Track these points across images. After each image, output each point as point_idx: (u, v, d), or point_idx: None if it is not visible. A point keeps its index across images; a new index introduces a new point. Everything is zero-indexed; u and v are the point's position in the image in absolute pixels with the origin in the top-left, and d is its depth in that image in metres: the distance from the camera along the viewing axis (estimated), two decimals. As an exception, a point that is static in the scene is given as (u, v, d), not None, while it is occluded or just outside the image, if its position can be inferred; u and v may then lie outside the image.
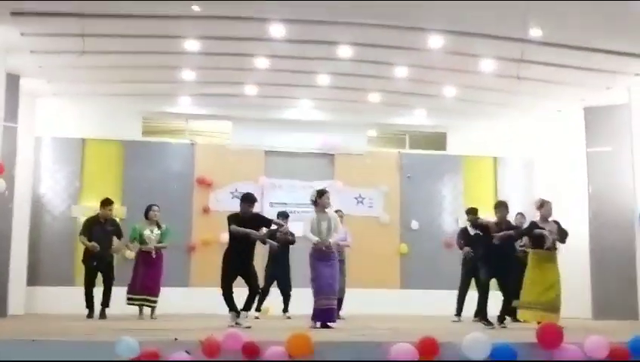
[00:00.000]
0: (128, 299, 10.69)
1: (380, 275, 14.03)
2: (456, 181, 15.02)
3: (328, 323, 8.43)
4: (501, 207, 9.64)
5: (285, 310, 11.60)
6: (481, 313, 9.66)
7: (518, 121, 14.53)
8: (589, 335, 5.75)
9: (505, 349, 5.29)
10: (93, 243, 10.35)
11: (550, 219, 9.15)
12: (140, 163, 13.98)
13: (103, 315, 10.35)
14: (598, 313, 12.34)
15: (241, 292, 8.68)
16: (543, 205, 9.19)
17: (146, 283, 10.68)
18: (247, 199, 8.89)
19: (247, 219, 8.78)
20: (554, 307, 8.88)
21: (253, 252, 8.91)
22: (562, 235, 9.09)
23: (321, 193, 8.77)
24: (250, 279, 8.78)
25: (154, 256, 10.71)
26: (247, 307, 8.76)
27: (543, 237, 8.93)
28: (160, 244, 10.81)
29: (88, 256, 10.52)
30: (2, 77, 10.94)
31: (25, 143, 12.26)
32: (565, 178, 13.51)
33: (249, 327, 8.05)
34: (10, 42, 10.27)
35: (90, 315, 10.37)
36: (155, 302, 10.80)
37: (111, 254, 10.65)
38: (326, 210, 8.76)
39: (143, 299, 10.70)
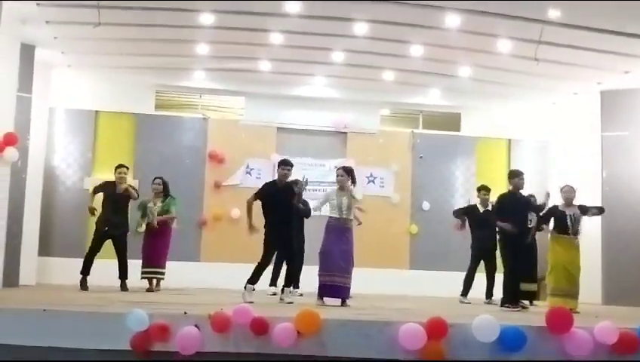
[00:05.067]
0: (142, 272, 10.73)
1: (390, 255, 14.03)
2: (469, 163, 14.93)
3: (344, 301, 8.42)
4: (516, 176, 9.55)
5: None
6: (513, 296, 9.27)
7: (533, 103, 14.40)
8: (599, 320, 5.74)
9: (514, 332, 5.30)
10: (92, 206, 10.47)
11: (574, 203, 9.43)
12: (152, 137, 13.98)
13: (124, 287, 10.38)
14: (608, 298, 12.30)
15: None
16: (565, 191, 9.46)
17: (150, 256, 10.74)
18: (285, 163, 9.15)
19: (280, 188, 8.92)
20: (576, 293, 9.09)
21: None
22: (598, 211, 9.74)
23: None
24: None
25: (157, 228, 10.72)
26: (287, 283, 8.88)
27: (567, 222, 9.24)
28: (163, 217, 10.77)
29: (101, 220, 10.55)
30: (17, 47, 10.98)
31: (39, 114, 12.26)
32: (579, 162, 13.40)
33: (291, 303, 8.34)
34: (26, 12, 10.25)
35: (83, 285, 10.23)
36: (162, 274, 10.86)
37: (125, 224, 10.66)
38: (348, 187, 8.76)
39: (152, 272, 10.75)
